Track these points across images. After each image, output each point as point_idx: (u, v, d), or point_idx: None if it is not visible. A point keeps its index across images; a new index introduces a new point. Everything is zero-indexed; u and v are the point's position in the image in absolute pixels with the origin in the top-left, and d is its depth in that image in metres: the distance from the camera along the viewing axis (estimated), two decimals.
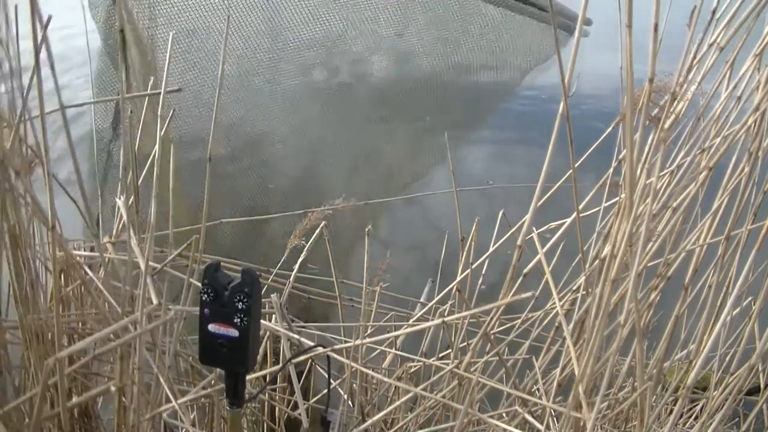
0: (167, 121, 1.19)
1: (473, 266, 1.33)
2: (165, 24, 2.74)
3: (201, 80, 2.98)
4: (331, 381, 1.20)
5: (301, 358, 1.23)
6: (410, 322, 1.52)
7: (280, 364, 1.15)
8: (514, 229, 1.29)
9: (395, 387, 1.45)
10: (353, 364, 1.23)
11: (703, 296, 1.14)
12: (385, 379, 1.27)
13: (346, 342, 1.30)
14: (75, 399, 1.04)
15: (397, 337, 1.39)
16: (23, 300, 0.93)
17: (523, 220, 1.12)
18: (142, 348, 0.98)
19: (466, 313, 1.23)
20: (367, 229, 1.35)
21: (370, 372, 1.29)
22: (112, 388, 0.93)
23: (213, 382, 1.14)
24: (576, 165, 1.01)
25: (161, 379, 1.03)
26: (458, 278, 1.34)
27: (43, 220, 0.89)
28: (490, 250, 1.34)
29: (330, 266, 1.45)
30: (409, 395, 1.23)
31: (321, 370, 1.41)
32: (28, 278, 0.92)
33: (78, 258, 1.15)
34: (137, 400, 1.01)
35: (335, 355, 1.19)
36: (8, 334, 1.00)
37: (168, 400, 1.03)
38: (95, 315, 1.12)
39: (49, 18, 0.80)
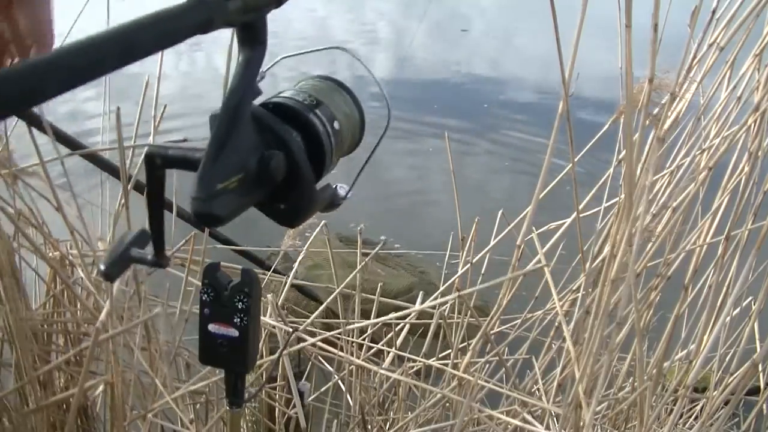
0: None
1: (473, 261, 1.33)
2: None
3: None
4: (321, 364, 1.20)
5: (298, 346, 1.23)
6: (408, 320, 1.51)
7: (276, 356, 1.15)
8: (512, 225, 1.29)
9: (395, 387, 1.45)
10: (353, 358, 1.23)
11: (703, 296, 1.13)
12: (389, 374, 1.27)
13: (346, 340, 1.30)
14: (61, 394, 1.04)
15: (397, 335, 1.40)
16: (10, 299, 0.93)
17: (522, 215, 1.12)
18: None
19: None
20: (359, 228, 1.38)
21: (373, 367, 1.28)
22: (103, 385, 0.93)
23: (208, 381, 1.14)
24: (575, 159, 1.01)
25: (155, 377, 1.02)
26: (458, 275, 1.33)
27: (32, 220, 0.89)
28: (489, 245, 1.34)
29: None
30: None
31: (319, 365, 1.42)
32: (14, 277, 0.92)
33: (69, 257, 1.15)
34: (124, 395, 1.01)
35: (334, 350, 1.19)
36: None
37: (162, 397, 1.02)
38: (84, 315, 1.11)
39: None
